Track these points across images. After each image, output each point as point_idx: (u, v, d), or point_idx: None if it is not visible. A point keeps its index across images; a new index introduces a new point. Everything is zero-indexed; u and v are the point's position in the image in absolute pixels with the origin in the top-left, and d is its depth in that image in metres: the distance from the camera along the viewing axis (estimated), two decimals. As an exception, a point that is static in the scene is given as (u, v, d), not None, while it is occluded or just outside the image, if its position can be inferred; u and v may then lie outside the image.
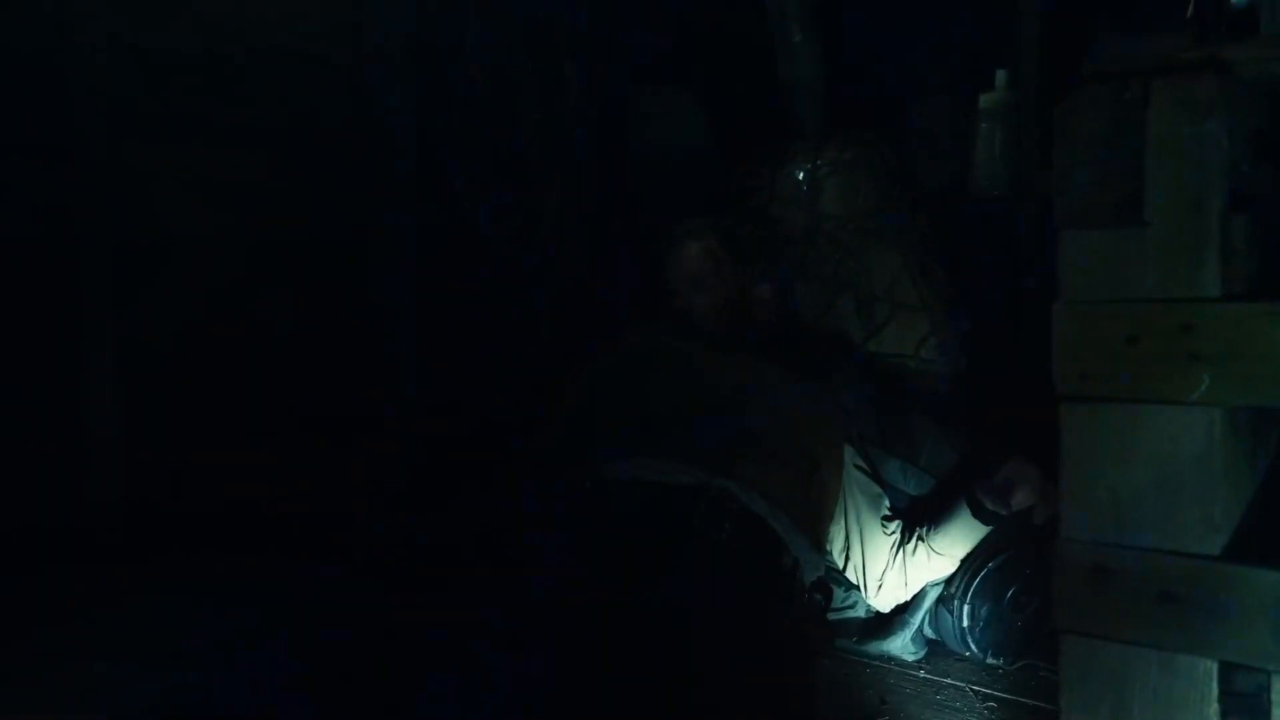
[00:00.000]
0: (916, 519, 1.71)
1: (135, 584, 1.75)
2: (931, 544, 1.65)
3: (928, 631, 1.72)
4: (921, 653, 1.69)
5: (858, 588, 1.74)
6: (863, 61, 2.48)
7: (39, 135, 1.85)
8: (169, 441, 2.02)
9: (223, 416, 2.10)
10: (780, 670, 1.30)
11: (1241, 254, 0.93)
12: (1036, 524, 1.57)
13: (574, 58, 2.55)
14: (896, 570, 1.68)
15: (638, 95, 2.67)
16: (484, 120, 2.43)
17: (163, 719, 1.28)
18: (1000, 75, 2.16)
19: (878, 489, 1.73)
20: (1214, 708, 0.89)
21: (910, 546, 1.67)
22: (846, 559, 1.71)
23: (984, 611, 1.64)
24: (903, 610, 1.71)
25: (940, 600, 1.69)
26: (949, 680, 1.60)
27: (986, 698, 1.54)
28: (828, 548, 1.68)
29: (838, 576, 1.74)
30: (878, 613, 1.77)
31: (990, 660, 1.64)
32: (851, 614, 1.80)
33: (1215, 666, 0.88)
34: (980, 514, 1.59)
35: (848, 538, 1.70)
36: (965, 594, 1.65)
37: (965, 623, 1.64)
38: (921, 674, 1.63)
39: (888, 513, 1.72)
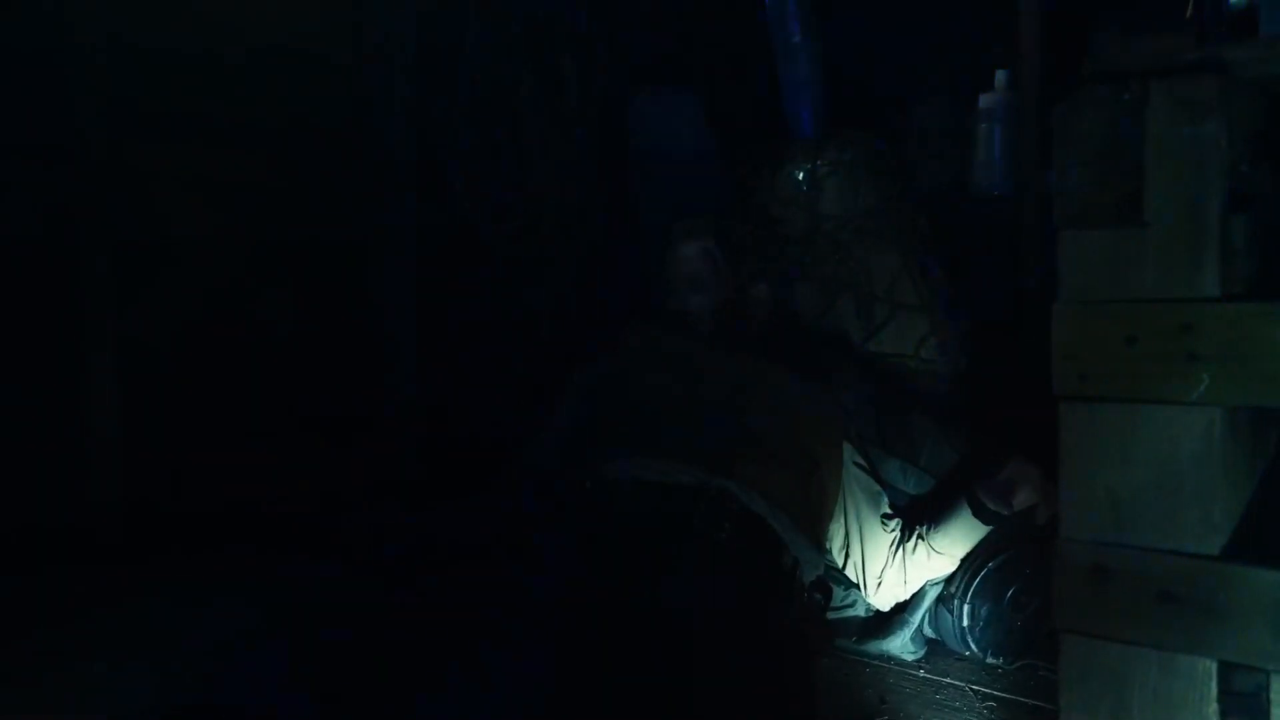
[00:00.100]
0: (916, 517, 1.72)
1: (135, 584, 1.75)
2: (931, 543, 1.65)
3: (927, 631, 1.72)
4: (921, 652, 1.69)
5: (857, 586, 1.75)
6: (863, 61, 2.48)
7: (39, 135, 1.85)
8: (169, 441, 2.02)
9: (223, 416, 2.10)
10: (780, 670, 1.30)
11: (1241, 254, 0.93)
12: (1038, 524, 1.57)
13: (574, 58, 2.55)
14: (896, 568, 1.69)
15: (638, 95, 2.67)
16: (484, 120, 2.43)
17: (163, 719, 1.28)
18: (1000, 75, 2.16)
19: (877, 487, 1.73)
20: (1213, 707, 0.89)
21: (910, 545, 1.67)
22: (846, 557, 1.71)
23: (984, 611, 1.64)
24: (902, 609, 1.71)
25: (940, 600, 1.69)
26: (948, 680, 1.61)
27: (986, 697, 1.54)
28: (827, 546, 1.68)
29: (837, 575, 1.74)
30: (877, 612, 1.77)
31: (990, 660, 1.64)
32: (851, 613, 1.80)
33: (1214, 666, 0.89)
34: (981, 514, 1.60)
35: (847, 536, 1.70)
36: (965, 593, 1.65)
37: (965, 622, 1.65)
38: (921, 673, 1.63)
39: (888, 511, 1.72)
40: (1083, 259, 0.96)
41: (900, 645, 1.68)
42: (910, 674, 1.63)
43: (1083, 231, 0.95)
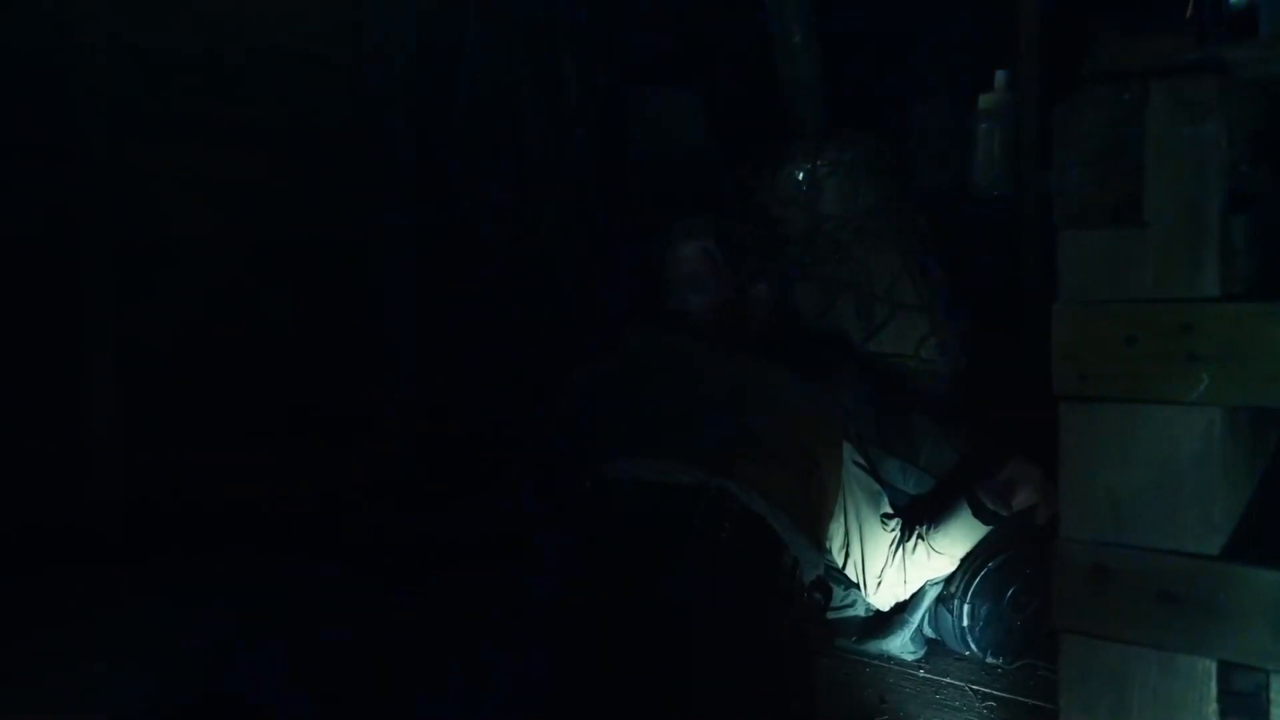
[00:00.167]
0: (916, 517, 1.72)
1: (135, 583, 1.75)
2: (931, 542, 1.65)
3: (927, 631, 1.72)
4: (921, 652, 1.69)
5: (857, 586, 1.75)
6: (863, 61, 2.48)
7: (39, 135, 1.85)
8: (169, 441, 2.02)
9: (223, 416, 2.10)
10: (780, 669, 1.30)
11: (1241, 254, 0.93)
12: (1038, 524, 1.57)
13: (574, 58, 2.55)
14: (896, 568, 1.69)
15: (638, 95, 2.67)
16: (484, 120, 2.43)
17: (163, 719, 1.28)
18: (1000, 75, 2.16)
19: (877, 487, 1.74)
20: (1213, 707, 0.89)
21: (910, 545, 1.68)
22: (846, 556, 1.71)
23: (984, 611, 1.64)
24: (902, 609, 1.71)
25: (940, 599, 1.69)
26: (948, 679, 1.61)
27: (986, 697, 1.54)
28: (827, 546, 1.68)
29: (837, 575, 1.74)
30: (877, 611, 1.77)
31: (990, 659, 1.64)
32: (851, 612, 1.80)
33: (1214, 666, 0.89)
34: (981, 514, 1.60)
35: (847, 535, 1.70)
36: (965, 593, 1.65)
37: (965, 622, 1.65)
38: (921, 673, 1.63)
39: (888, 511, 1.72)
40: (1083, 259, 0.96)
41: (900, 645, 1.68)
42: (910, 674, 1.63)
43: (1083, 231, 0.95)
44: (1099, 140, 0.94)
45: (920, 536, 1.67)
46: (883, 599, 1.73)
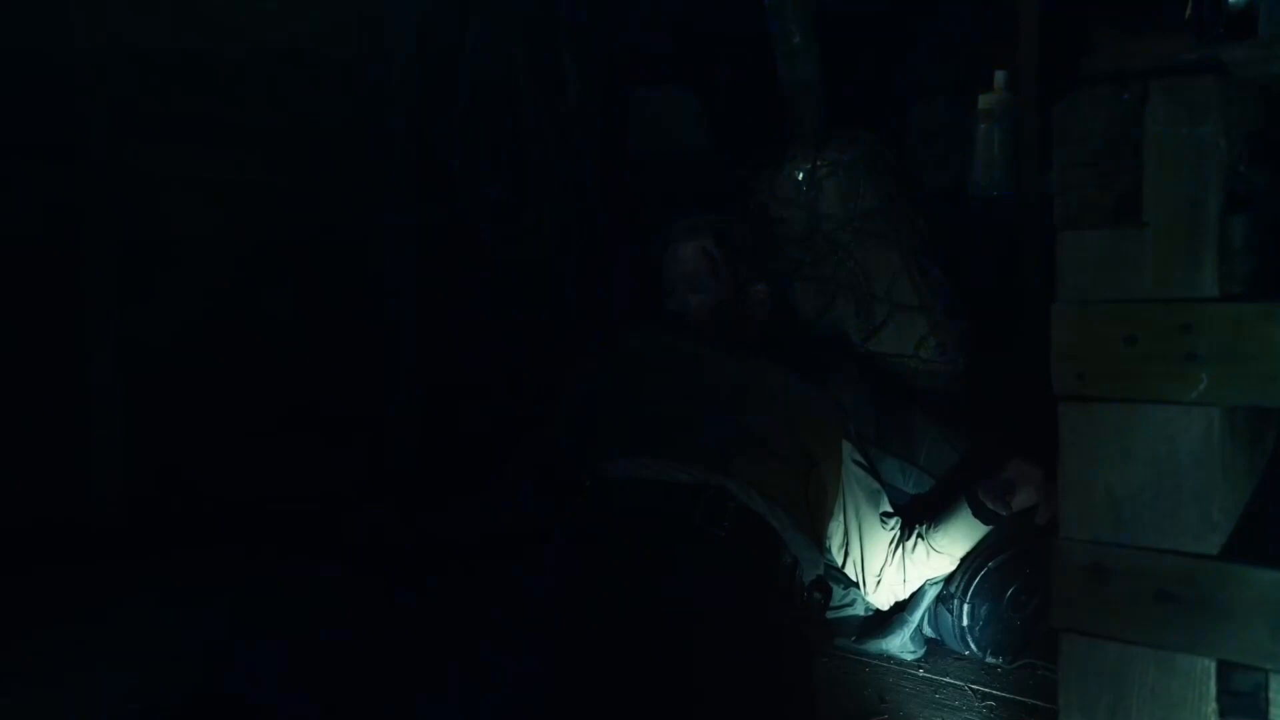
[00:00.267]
0: (916, 516, 1.72)
1: (135, 582, 1.75)
2: (931, 542, 1.65)
3: (927, 630, 1.72)
4: (920, 651, 1.69)
5: (856, 585, 1.75)
6: (863, 61, 2.48)
7: (40, 135, 1.86)
8: (170, 440, 2.03)
9: (223, 415, 2.10)
10: (780, 669, 1.30)
11: (1239, 254, 0.93)
12: (1039, 524, 1.57)
13: (574, 58, 2.55)
14: (895, 567, 1.69)
15: (638, 95, 2.68)
16: (484, 120, 2.43)
17: (162, 718, 1.28)
18: (999, 76, 2.16)
19: (876, 485, 1.74)
20: (1212, 706, 0.89)
21: (910, 544, 1.68)
22: (845, 555, 1.71)
23: (984, 610, 1.64)
24: (902, 609, 1.72)
25: (940, 599, 1.69)
26: (948, 679, 1.61)
27: (985, 696, 1.54)
28: (826, 544, 1.68)
29: (836, 574, 1.74)
30: (877, 610, 1.77)
31: (989, 659, 1.64)
32: (850, 612, 1.80)
33: (1213, 665, 0.89)
34: (981, 514, 1.60)
35: (846, 534, 1.70)
36: (965, 593, 1.65)
37: (965, 622, 1.65)
38: (920, 673, 1.64)
39: (887, 509, 1.72)
40: (1082, 259, 0.96)
41: (900, 644, 1.68)
42: (910, 673, 1.63)
43: (1082, 231, 0.95)
44: (1098, 140, 0.94)
45: (920, 536, 1.67)
46: (882, 598, 1.73)
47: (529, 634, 1.27)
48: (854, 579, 1.74)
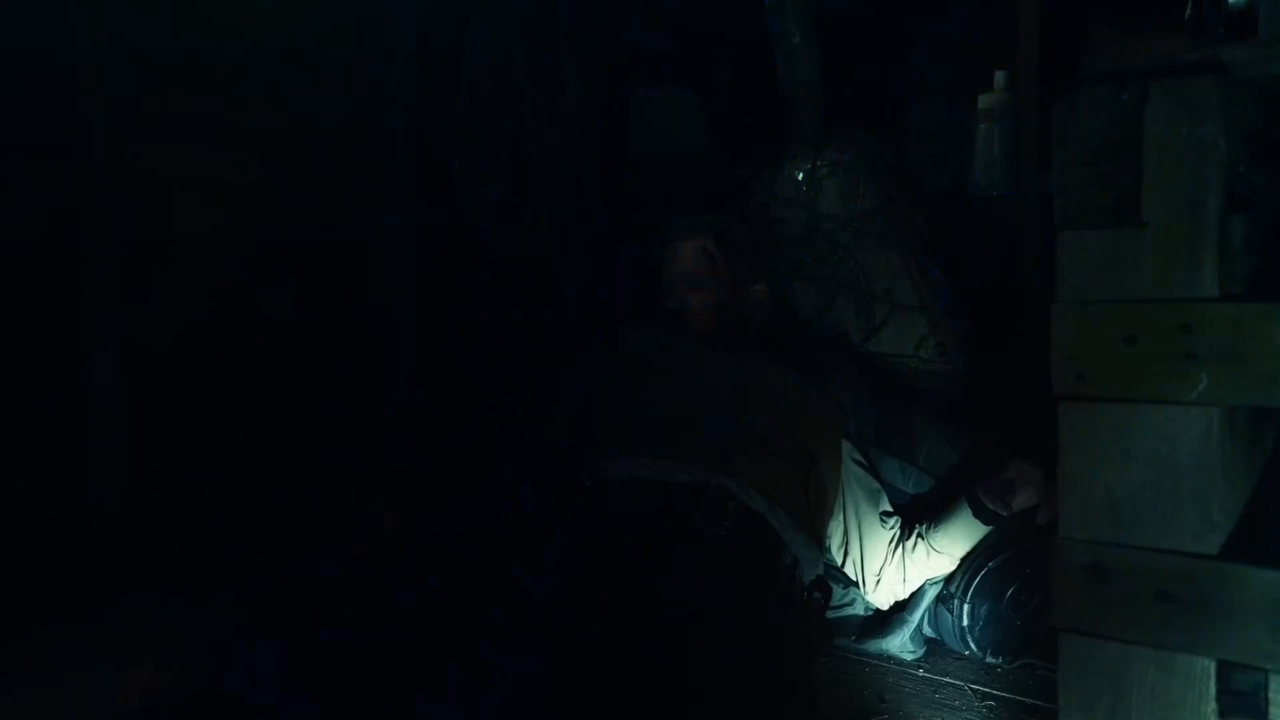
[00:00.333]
0: (916, 516, 1.72)
1: (136, 582, 1.75)
2: (931, 541, 1.65)
3: (927, 630, 1.72)
4: (920, 651, 1.69)
5: (856, 584, 1.75)
6: (863, 61, 2.48)
7: (40, 135, 1.86)
8: (170, 440, 2.03)
9: (223, 415, 2.10)
10: (780, 669, 1.30)
11: (1239, 254, 0.93)
12: (1040, 525, 1.57)
13: (574, 58, 2.55)
14: (895, 566, 1.69)
15: (638, 95, 2.68)
16: (484, 120, 2.43)
17: (162, 718, 1.28)
18: (999, 76, 2.16)
19: (876, 485, 1.74)
20: (1211, 706, 0.89)
21: (910, 543, 1.68)
22: (845, 554, 1.71)
23: (984, 610, 1.64)
24: (901, 608, 1.72)
25: (940, 599, 1.69)
26: (948, 679, 1.61)
27: (985, 696, 1.54)
28: (826, 544, 1.68)
29: (836, 573, 1.74)
30: (876, 610, 1.77)
31: (989, 659, 1.64)
32: (850, 611, 1.80)
33: (1213, 665, 0.89)
34: (981, 514, 1.60)
35: (846, 533, 1.71)
36: (965, 593, 1.65)
37: (965, 621, 1.65)
38: (920, 673, 1.64)
39: (887, 508, 1.72)
40: (1082, 259, 0.96)
41: (900, 644, 1.68)
42: (909, 673, 1.63)
43: (1082, 231, 0.95)
44: (1098, 140, 0.94)
45: (920, 535, 1.67)
46: (881, 597, 1.73)
47: (529, 634, 1.27)
48: (853, 578, 1.74)
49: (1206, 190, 0.89)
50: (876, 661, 1.68)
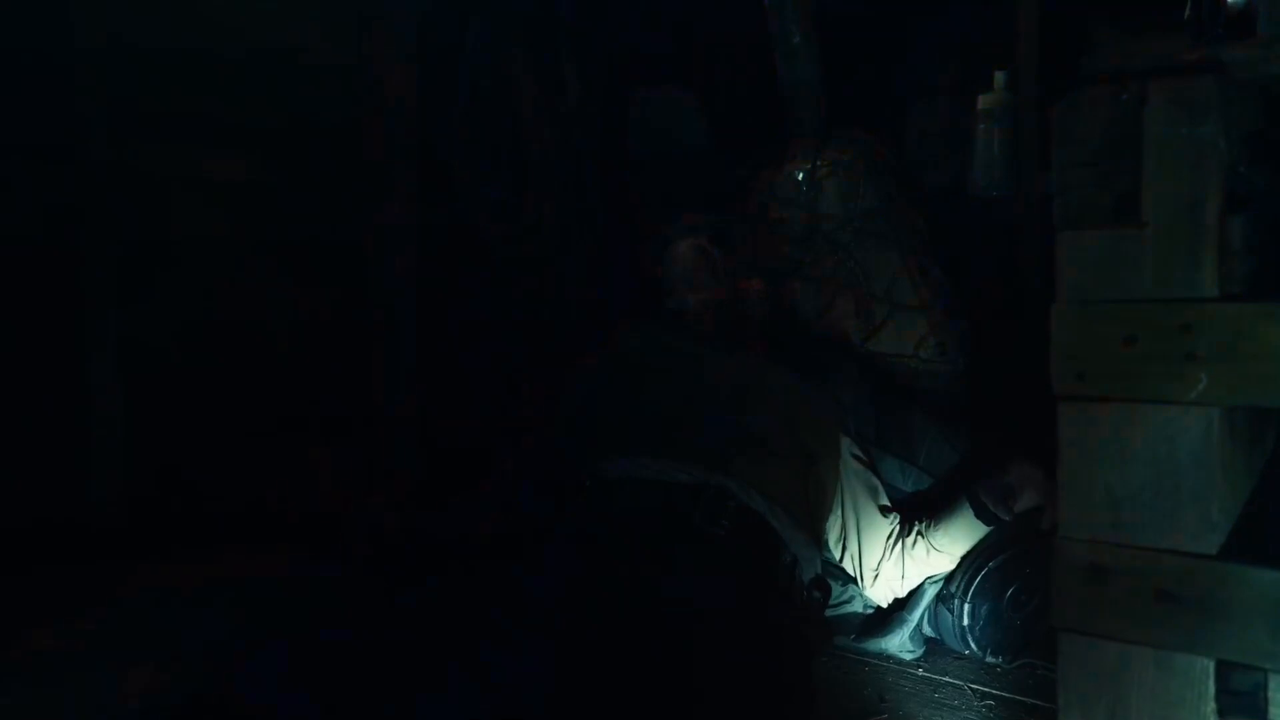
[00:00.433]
0: (916, 514, 1.72)
1: (136, 582, 1.75)
2: (931, 540, 1.66)
3: (926, 629, 1.72)
4: (920, 651, 1.69)
5: (854, 580, 1.75)
6: (863, 61, 2.49)
7: (40, 135, 1.86)
8: (170, 440, 2.02)
9: (223, 415, 2.10)
10: (779, 668, 1.30)
11: (1239, 254, 0.93)
12: (1043, 528, 1.57)
13: (574, 58, 2.55)
14: (894, 562, 1.69)
15: (638, 95, 2.68)
16: (484, 120, 2.43)
17: (162, 718, 1.28)
18: (999, 76, 2.16)
19: (875, 481, 1.74)
20: (1211, 706, 0.89)
21: (910, 540, 1.68)
22: (844, 550, 1.72)
23: (984, 610, 1.64)
24: (901, 607, 1.72)
25: (940, 599, 1.69)
26: (947, 678, 1.61)
27: (984, 696, 1.54)
28: (824, 540, 1.69)
29: (834, 570, 1.74)
30: (876, 608, 1.78)
31: (989, 659, 1.64)
32: (848, 609, 1.80)
33: (1212, 665, 0.89)
34: (982, 515, 1.60)
35: (844, 528, 1.71)
36: (966, 593, 1.65)
37: (965, 621, 1.65)
38: (920, 672, 1.64)
39: (885, 503, 1.73)
40: (1081, 259, 0.96)
41: (899, 643, 1.68)
42: (909, 672, 1.64)
43: (1082, 231, 0.95)
44: (1098, 140, 0.94)
45: (920, 533, 1.67)
46: (879, 593, 1.74)
47: (529, 634, 1.27)
48: (851, 574, 1.74)
49: (1206, 190, 0.89)
50: (876, 661, 1.68)
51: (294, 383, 2.21)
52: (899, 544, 1.69)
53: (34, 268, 1.86)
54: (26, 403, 1.85)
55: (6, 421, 1.82)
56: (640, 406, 1.65)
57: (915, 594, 1.71)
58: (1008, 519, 1.59)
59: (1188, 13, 0.97)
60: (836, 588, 1.76)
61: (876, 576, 1.71)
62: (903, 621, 1.69)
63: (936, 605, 1.70)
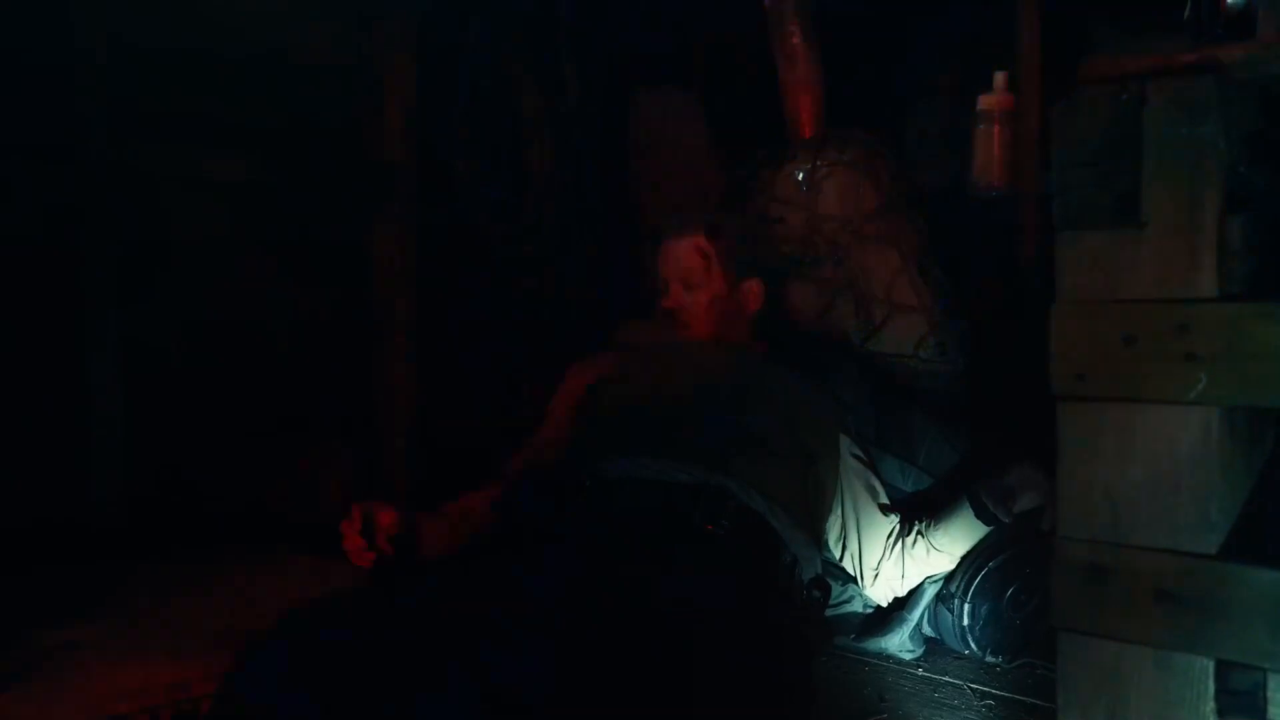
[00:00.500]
0: (916, 513, 1.72)
1: (136, 582, 1.75)
2: (931, 540, 1.66)
3: (926, 629, 1.73)
4: (920, 650, 1.69)
5: (855, 580, 1.75)
6: (863, 61, 2.49)
7: (40, 136, 1.86)
8: (170, 440, 2.03)
9: (223, 415, 2.11)
10: (779, 668, 1.30)
11: (1238, 255, 0.93)
12: (1043, 529, 1.57)
13: (574, 58, 2.55)
14: (894, 561, 1.69)
15: (637, 95, 2.68)
16: (484, 120, 2.43)
17: (162, 718, 1.28)
18: (999, 76, 2.16)
19: (875, 480, 1.74)
20: (1210, 706, 0.89)
21: (910, 540, 1.68)
22: (843, 549, 1.72)
23: (984, 610, 1.64)
24: (901, 607, 1.72)
25: (940, 598, 1.69)
26: (947, 678, 1.61)
27: (984, 695, 1.54)
28: (824, 539, 1.69)
29: (833, 569, 1.74)
30: (876, 608, 1.78)
31: (989, 658, 1.65)
32: (848, 608, 1.80)
33: (1211, 665, 0.89)
34: (982, 515, 1.60)
35: (844, 528, 1.71)
36: (966, 592, 1.65)
37: (965, 621, 1.65)
38: (920, 672, 1.64)
39: (884, 502, 1.73)
40: (1080, 260, 0.96)
41: (899, 643, 1.68)
42: (909, 672, 1.64)
43: (1080, 232, 0.95)
44: (1097, 141, 0.94)
45: (920, 533, 1.67)
46: (879, 592, 1.74)
47: (529, 634, 1.26)
48: (851, 573, 1.74)
49: (1206, 191, 0.89)
50: (876, 660, 1.68)
51: (294, 383, 2.21)
52: (899, 543, 1.69)
53: (34, 268, 1.86)
54: (26, 403, 1.85)
55: (6, 421, 1.82)
56: (639, 406, 1.65)
57: (915, 594, 1.71)
58: (1007, 520, 1.59)
59: (1187, 13, 0.97)
60: (836, 588, 1.76)
61: (876, 576, 1.71)
62: (902, 621, 1.69)
63: (936, 605, 1.70)
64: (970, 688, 1.57)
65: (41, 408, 1.88)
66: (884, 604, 1.76)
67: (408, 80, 2.32)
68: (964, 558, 1.66)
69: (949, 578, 1.68)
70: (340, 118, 2.29)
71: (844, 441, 1.72)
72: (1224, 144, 0.89)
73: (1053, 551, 0.98)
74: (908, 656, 1.68)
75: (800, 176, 2.22)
